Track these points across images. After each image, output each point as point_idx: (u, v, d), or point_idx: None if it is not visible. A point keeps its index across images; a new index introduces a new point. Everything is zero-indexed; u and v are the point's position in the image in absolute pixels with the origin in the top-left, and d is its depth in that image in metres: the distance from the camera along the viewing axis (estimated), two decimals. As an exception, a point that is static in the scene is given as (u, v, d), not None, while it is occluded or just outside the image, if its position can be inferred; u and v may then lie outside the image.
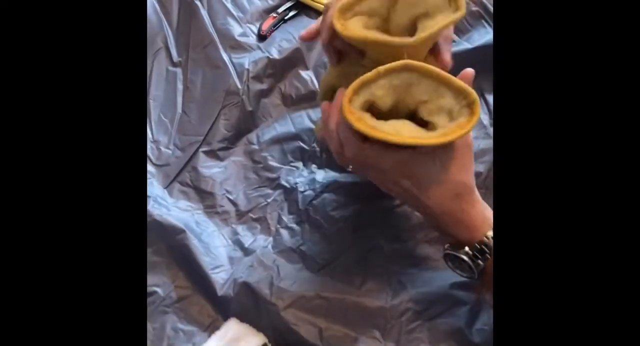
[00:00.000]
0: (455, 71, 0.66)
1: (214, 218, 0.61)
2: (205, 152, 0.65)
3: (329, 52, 0.50)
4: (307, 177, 0.62)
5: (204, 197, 0.62)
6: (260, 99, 0.68)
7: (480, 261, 0.44)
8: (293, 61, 0.70)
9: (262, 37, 0.72)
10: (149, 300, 0.54)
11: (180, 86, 0.69)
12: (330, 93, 0.50)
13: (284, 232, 0.58)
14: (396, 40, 0.42)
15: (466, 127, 0.40)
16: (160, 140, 0.66)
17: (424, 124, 0.42)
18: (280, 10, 0.75)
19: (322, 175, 0.62)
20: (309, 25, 0.72)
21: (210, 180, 0.63)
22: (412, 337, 0.50)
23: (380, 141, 0.41)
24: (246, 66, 0.68)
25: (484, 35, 0.68)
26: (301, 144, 0.65)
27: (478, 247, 0.43)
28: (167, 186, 0.63)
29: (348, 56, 0.49)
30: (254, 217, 0.60)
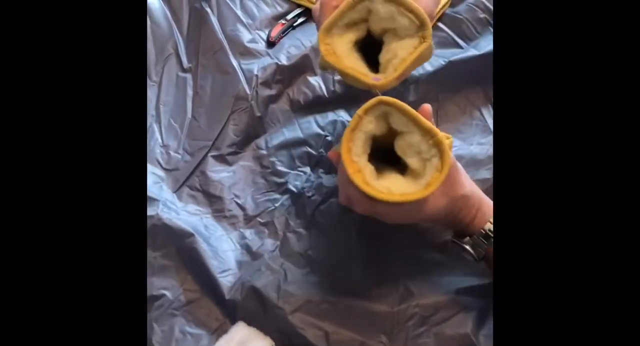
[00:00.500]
0: (463, 78, 0.67)
1: (223, 223, 0.61)
2: (214, 157, 0.65)
3: None
4: (314, 182, 0.62)
5: (213, 201, 0.63)
6: (268, 105, 0.69)
7: (480, 249, 0.48)
8: (301, 67, 0.70)
9: (271, 44, 0.73)
10: (157, 303, 0.55)
11: (190, 91, 0.70)
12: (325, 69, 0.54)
13: (292, 237, 0.59)
14: (368, 80, 0.45)
15: (443, 170, 0.42)
16: (169, 144, 0.67)
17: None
18: (289, 16, 0.76)
19: (329, 180, 0.62)
20: (317, 31, 0.74)
21: (218, 185, 0.63)
22: (418, 342, 0.50)
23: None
24: (255, 72, 0.69)
25: (490, 42, 0.68)
26: (309, 149, 0.65)
27: (477, 238, 0.47)
28: (177, 190, 0.63)
29: None
30: (261, 221, 0.61)
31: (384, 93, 0.45)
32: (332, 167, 0.63)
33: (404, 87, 0.66)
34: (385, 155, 0.45)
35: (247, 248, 0.59)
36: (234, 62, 0.70)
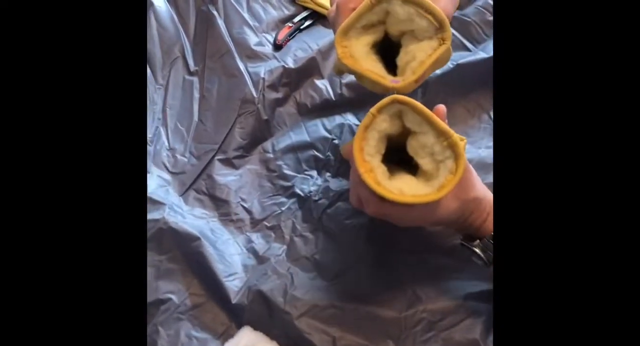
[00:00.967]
0: (471, 81, 0.66)
1: (229, 226, 0.61)
2: (220, 160, 0.65)
3: None
4: (321, 186, 0.62)
5: (219, 204, 0.62)
6: (275, 108, 0.68)
7: (490, 253, 0.47)
8: (308, 70, 0.70)
9: (277, 47, 0.73)
10: (163, 306, 0.54)
11: (196, 95, 0.70)
12: (341, 72, 0.54)
13: (298, 240, 0.58)
14: (387, 82, 0.44)
15: (457, 172, 0.41)
16: (176, 148, 0.66)
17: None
18: (295, 19, 0.76)
19: (336, 184, 0.62)
20: (325, 34, 0.74)
21: (225, 188, 0.63)
22: (426, 348, 0.50)
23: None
24: (262, 75, 0.69)
25: (499, 45, 0.67)
26: (315, 153, 0.65)
27: (487, 241, 0.47)
28: (183, 194, 0.63)
29: None
30: (268, 225, 0.61)
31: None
32: (339, 170, 0.63)
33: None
34: (397, 155, 0.44)
35: (253, 252, 0.58)
36: (241, 65, 0.70)
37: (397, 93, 0.43)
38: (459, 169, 0.41)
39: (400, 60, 0.45)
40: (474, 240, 0.48)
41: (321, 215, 0.59)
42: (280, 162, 0.65)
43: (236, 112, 0.67)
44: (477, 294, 0.52)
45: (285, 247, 0.58)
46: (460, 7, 0.74)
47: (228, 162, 0.65)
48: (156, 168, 0.65)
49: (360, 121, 0.54)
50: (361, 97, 0.67)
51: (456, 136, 0.41)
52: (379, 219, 0.47)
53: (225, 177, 0.64)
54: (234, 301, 0.53)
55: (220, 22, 0.73)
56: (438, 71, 0.67)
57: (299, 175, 0.63)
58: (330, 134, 0.66)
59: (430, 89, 0.66)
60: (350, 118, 0.67)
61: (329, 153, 0.64)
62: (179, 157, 0.66)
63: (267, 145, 0.67)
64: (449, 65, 0.67)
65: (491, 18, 0.71)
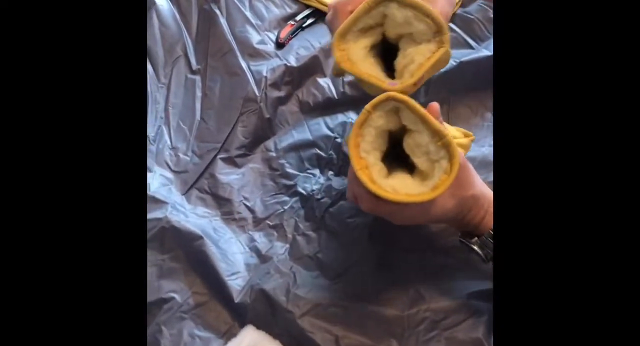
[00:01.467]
0: (474, 79, 0.66)
1: (232, 225, 0.61)
2: (223, 159, 0.65)
3: None
4: (323, 184, 0.62)
5: (222, 203, 0.62)
6: (277, 106, 0.68)
7: (488, 250, 0.47)
8: (311, 68, 0.70)
9: (280, 45, 0.73)
10: (166, 305, 0.54)
11: (199, 93, 0.70)
12: (339, 74, 0.57)
13: (301, 239, 0.58)
14: (384, 85, 0.43)
15: (452, 172, 0.41)
16: (178, 146, 0.66)
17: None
18: (298, 18, 0.76)
19: (338, 182, 0.62)
20: (327, 32, 0.73)
21: (227, 187, 0.63)
22: (429, 347, 0.50)
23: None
24: (264, 73, 0.69)
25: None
26: (318, 151, 0.65)
27: (485, 239, 0.47)
28: (185, 192, 0.63)
29: None
30: (270, 223, 0.61)
31: None
32: (341, 168, 0.63)
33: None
34: (397, 152, 0.44)
35: (256, 251, 0.58)
36: (243, 64, 0.70)
37: None
38: (453, 169, 0.40)
39: (399, 63, 0.45)
40: (472, 238, 0.48)
41: (324, 213, 0.59)
42: (282, 161, 0.65)
43: (238, 111, 0.67)
44: (480, 293, 0.51)
45: (287, 245, 0.58)
46: (463, 5, 0.74)
47: (230, 161, 0.65)
48: (159, 167, 0.65)
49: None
50: (364, 95, 0.67)
51: (450, 135, 0.41)
52: (378, 216, 0.47)
53: (227, 175, 0.64)
54: (236, 300, 0.53)
55: (223, 20, 0.73)
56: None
57: (301, 174, 0.63)
58: (333, 132, 0.66)
59: (432, 87, 0.66)
60: (352, 117, 0.67)
61: (331, 151, 0.64)
62: (181, 155, 0.66)
63: (270, 143, 0.67)
64: (452, 62, 0.66)
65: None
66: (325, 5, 0.76)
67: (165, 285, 0.55)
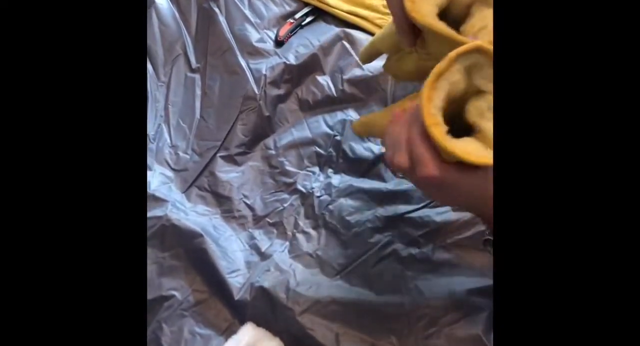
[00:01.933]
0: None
1: (231, 223, 0.61)
2: (222, 157, 0.65)
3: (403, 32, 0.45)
4: (323, 182, 0.62)
5: (222, 201, 0.63)
6: (277, 104, 0.68)
7: None
8: (310, 66, 0.70)
9: (279, 43, 0.73)
10: (166, 303, 0.55)
11: (198, 92, 0.70)
12: (371, 57, 0.55)
13: (301, 237, 0.58)
14: (464, 39, 0.40)
15: None
16: (178, 145, 0.67)
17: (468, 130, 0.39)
18: (297, 16, 0.76)
19: (338, 180, 0.62)
20: (326, 30, 0.73)
21: (227, 185, 0.63)
22: (429, 343, 0.50)
23: (455, 162, 0.38)
24: (263, 72, 0.69)
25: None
26: (318, 149, 0.65)
27: None
28: (185, 191, 0.63)
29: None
30: (270, 221, 0.61)
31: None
32: (340, 166, 0.63)
33: (420, 82, 0.65)
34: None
35: (256, 249, 0.59)
36: (242, 62, 0.70)
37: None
38: None
39: (472, 26, 0.41)
40: None
41: (323, 211, 0.59)
42: (282, 159, 0.65)
43: (238, 109, 0.67)
44: (479, 290, 0.52)
45: (287, 243, 0.58)
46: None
47: (230, 159, 0.65)
48: (159, 166, 0.65)
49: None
50: (363, 93, 0.67)
51: None
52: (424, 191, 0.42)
53: (227, 173, 0.64)
54: (236, 297, 0.53)
55: (222, 19, 0.73)
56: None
57: (301, 172, 0.64)
58: (332, 130, 0.66)
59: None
60: (352, 114, 0.67)
61: (331, 149, 0.64)
62: (181, 154, 0.66)
63: (269, 141, 0.67)
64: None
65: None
66: (324, 3, 0.76)
67: (166, 283, 0.56)
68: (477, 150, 0.38)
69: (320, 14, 0.76)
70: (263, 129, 0.67)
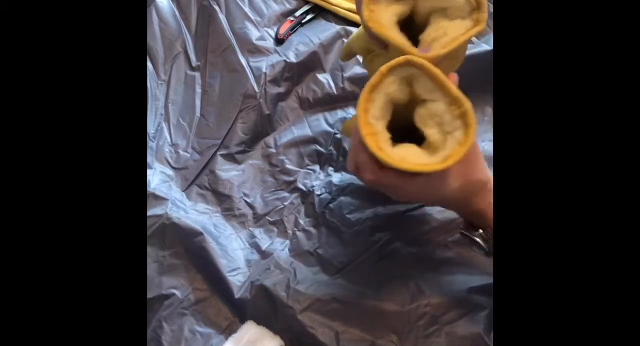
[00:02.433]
0: (474, 73, 0.66)
1: (232, 221, 0.61)
2: (223, 155, 0.65)
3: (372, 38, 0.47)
4: (323, 180, 0.62)
5: (222, 200, 0.62)
6: (277, 102, 0.68)
7: (491, 242, 0.46)
8: (310, 64, 0.70)
9: (279, 41, 0.73)
10: (167, 302, 0.55)
11: (198, 90, 0.70)
12: (349, 56, 0.58)
13: (301, 235, 0.58)
14: (414, 51, 0.41)
15: (465, 143, 0.38)
16: (178, 143, 0.66)
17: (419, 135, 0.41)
18: (297, 13, 0.75)
19: (338, 178, 0.62)
20: (327, 28, 0.73)
21: (228, 183, 0.63)
22: (429, 342, 0.50)
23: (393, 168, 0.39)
24: (264, 70, 0.68)
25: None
26: (318, 147, 0.65)
27: (489, 232, 0.46)
28: (186, 189, 0.63)
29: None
30: (271, 220, 0.61)
31: None
32: (340, 164, 0.63)
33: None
34: (400, 131, 0.41)
35: (256, 247, 0.58)
36: (243, 60, 0.70)
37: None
38: (468, 140, 0.38)
39: (428, 35, 0.42)
40: (476, 230, 0.47)
41: (324, 209, 0.59)
42: (282, 157, 0.65)
43: (238, 107, 0.67)
44: (480, 288, 0.52)
45: (288, 241, 0.58)
46: None
47: (230, 157, 0.65)
48: (159, 164, 0.65)
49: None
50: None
51: (469, 105, 0.38)
52: (378, 192, 0.44)
53: (227, 172, 0.64)
54: (237, 296, 0.53)
55: (222, 16, 0.73)
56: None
57: (301, 170, 0.63)
58: (333, 128, 0.66)
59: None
60: (352, 112, 0.67)
61: (331, 147, 0.64)
62: (181, 152, 0.66)
63: (270, 140, 0.67)
64: (452, 58, 0.66)
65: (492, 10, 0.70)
66: (325, 0, 0.75)
67: (166, 281, 0.56)
68: (415, 157, 0.39)
69: (321, 12, 0.76)
70: (263, 127, 0.67)
